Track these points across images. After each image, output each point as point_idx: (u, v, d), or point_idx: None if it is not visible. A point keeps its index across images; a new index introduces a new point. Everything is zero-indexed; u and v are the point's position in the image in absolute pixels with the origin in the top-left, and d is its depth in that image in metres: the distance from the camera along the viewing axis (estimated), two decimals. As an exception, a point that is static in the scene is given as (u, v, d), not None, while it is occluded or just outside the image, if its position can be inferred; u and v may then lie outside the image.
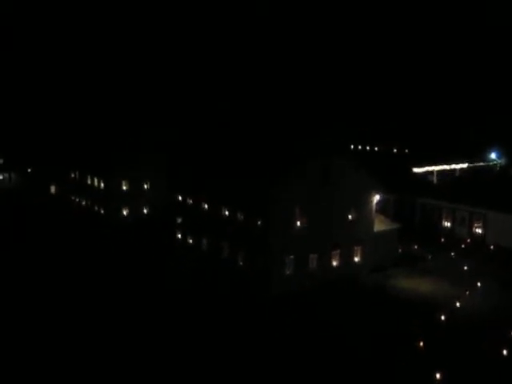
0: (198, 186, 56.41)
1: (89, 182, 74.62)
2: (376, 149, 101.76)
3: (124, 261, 55.22)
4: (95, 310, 42.97)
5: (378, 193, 53.78)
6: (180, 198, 58.78)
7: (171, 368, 34.57)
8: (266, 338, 38.78)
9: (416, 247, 60.36)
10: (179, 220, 59.01)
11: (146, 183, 71.65)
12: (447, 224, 66.17)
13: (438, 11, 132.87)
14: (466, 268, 53.69)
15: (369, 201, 53.10)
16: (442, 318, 42.03)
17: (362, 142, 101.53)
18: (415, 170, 75.64)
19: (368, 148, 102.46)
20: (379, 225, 55.13)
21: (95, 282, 49.09)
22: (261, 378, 33.77)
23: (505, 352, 36.56)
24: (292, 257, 47.74)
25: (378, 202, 55.24)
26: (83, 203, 76.19)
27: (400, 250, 57.59)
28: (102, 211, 70.80)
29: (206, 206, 54.73)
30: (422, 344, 37.67)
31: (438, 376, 33.30)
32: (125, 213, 70.16)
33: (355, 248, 52.20)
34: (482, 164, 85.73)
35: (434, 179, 76.91)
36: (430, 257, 57.65)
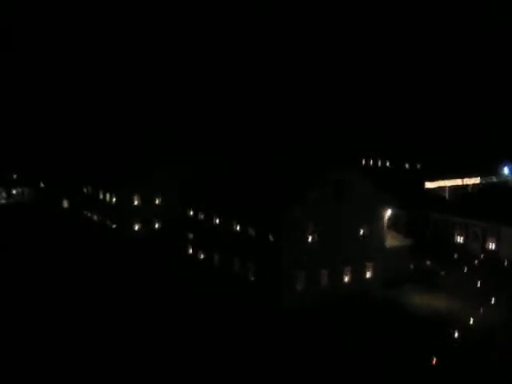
0: (210, 201, 56.47)
1: (101, 196, 75.06)
2: (388, 164, 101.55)
3: (135, 275, 55.27)
4: (105, 324, 43.00)
5: (389, 208, 53.54)
6: (191, 213, 58.87)
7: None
8: (274, 353, 38.52)
9: (428, 263, 59.86)
10: (190, 235, 59.06)
11: (158, 198, 71.92)
12: (460, 240, 65.65)
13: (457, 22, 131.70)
14: (479, 284, 53.13)
15: (381, 216, 52.86)
16: (456, 334, 41.53)
17: (374, 157, 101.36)
18: (427, 185, 75.31)
19: (380, 163, 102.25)
20: (391, 240, 54.79)
21: (106, 296, 49.15)
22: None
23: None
24: (303, 272, 47.53)
25: (390, 218, 54.97)
26: (95, 218, 76.55)
27: (412, 266, 57.14)
28: (114, 226, 71.08)
29: (217, 221, 54.74)
30: (435, 361, 37.21)
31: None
32: (136, 227, 70.40)
33: (367, 264, 51.84)
34: (494, 179, 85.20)
35: (447, 194, 76.50)
36: (442, 273, 57.11)
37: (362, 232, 51.39)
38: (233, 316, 45.19)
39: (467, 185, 79.83)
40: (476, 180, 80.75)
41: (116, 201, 71.41)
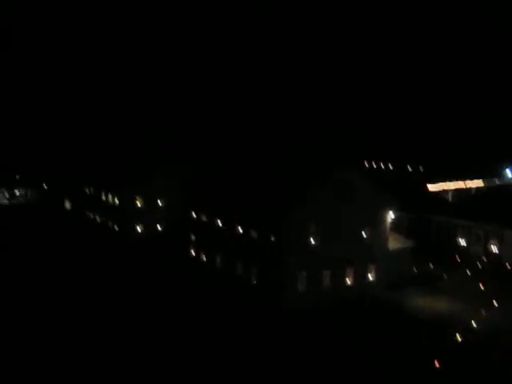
0: (211, 202, 56.46)
1: (103, 198, 75.09)
2: (390, 166, 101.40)
3: (138, 276, 55.27)
4: (108, 325, 42.98)
5: (392, 210, 53.43)
6: (193, 214, 58.86)
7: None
8: (275, 354, 38.44)
9: (431, 265, 59.71)
10: (193, 237, 59.05)
11: (161, 200, 71.87)
12: (462, 242, 65.48)
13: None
14: (481, 287, 52.97)
15: (383, 218, 52.78)
16: (458, 337, 41.39)
17: (377, 159, 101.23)
18: (430, 187, 75.15)
19: (382, 165, 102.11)
20: (394, 243, 54.67)
21: (109, 297, 49.14)
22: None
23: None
24: (305, 273, 47.45)
25: (393, 220, 54.84)
26: (98, 219, 76.57)
27: (415, 269, 57.01)
28: (117, 227, 71.08)
29: (219, 222, 54.70)
30: (437, 363, 37.09)
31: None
32: (139, 229, 70.36)
33: (369, 265, 51.77)
34: (497, 182, 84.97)
35: (449, 197, 76.33)
36: (445, 275, 56.98)
37: (364, 234, 51.31)
38: (234, 316, 45.13)
39: (470, 187, 79.61)
40: (479, 183, 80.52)
41: (119, 202, 71.42)
